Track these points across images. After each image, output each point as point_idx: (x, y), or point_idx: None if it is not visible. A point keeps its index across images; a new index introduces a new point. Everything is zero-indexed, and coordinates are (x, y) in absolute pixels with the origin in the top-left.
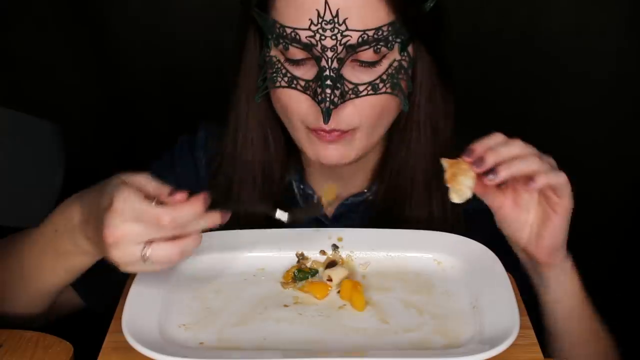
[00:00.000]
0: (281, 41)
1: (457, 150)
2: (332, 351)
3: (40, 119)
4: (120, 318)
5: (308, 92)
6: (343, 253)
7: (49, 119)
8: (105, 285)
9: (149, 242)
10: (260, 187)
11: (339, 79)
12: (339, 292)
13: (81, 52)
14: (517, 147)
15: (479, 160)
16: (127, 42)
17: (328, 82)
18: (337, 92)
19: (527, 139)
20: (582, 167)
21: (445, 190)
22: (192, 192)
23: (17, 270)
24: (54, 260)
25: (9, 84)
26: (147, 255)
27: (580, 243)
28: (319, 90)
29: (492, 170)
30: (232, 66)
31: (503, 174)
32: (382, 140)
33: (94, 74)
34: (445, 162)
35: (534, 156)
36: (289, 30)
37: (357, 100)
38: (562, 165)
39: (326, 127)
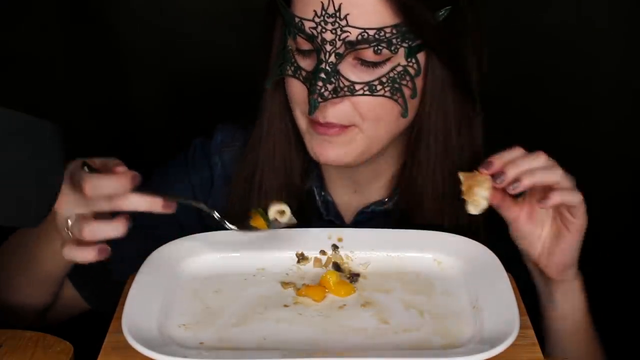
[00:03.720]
0: (292, 30)
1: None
2: (332, 351)
3: (40, 119)
4: (120, 318)
5: (307, 84)
6: (343, 253)
7: (49, 119)
8: (108, 287)
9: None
10: (284, 185)
11: (334, 73)
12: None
13: (81, 52)
14: (540, 160)
15: (500, 174)
16: (128, 41)
17: (322, 74)
18: (330, 87)
19: (527, 138)
20: (582, 166)
21: (458, 204)
22: (205, 197)
23: (21, 256)
24: (45, 246)
25: (9, 84)
26: (68, 226)
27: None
28: (313, 82)
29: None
30: (260, 60)
31: (526, 182)
32: (400, 149)
33: (94, 74)
34: (461, 175)
35: (557, 168)
36: (297, 20)
37: (355, 99)
38: (562, 165)
39: (321, 119)
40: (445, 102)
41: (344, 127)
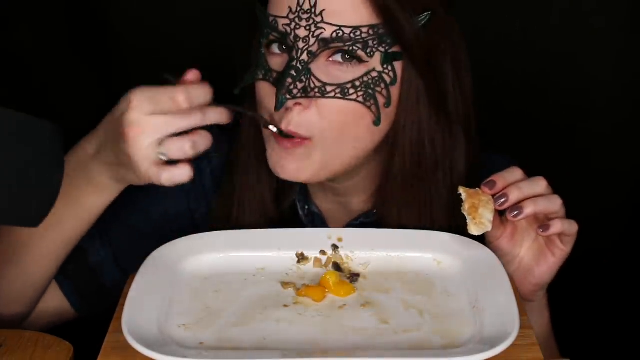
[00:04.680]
0: (266, 31)
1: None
2: (332, 351)
3: (40, 119)
4: (120, 318)
5: (277, 84)
6: (343, 253)
7: (49, 119)
8: (96, 292)
9: (163, 139)
10: (262, 202)
11: (305, 72)
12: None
13: (81, 52)
14: (541, 186)
15: (502, 196)
16: (128, 41)
17: (292, 72)
18: (299, 85)
19: (526, 139)
20: (580, 168)
21: (432, 221)
22: (198, 203)
23: (21, 235)
24: (68, 207)
25: (9, 84)
26: (164, 150)
27: (579, 245)
28: (281, 79)
29: (513, 205)
30: (242, 71)
31: (528, 210)
32: (380, 163)
33: (94, 74)
34: (463, 191)
35: (557, 197)
36: (271, 19)
37: (323, 104)
38: (561, 165)
39: (283, 126)
40: (419, 115)
41: (303, 140)
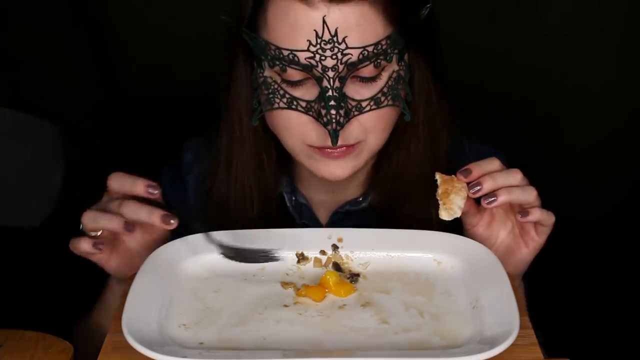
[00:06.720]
0: (277, 63)
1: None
2: (332, 351)
3: (40, 119)
4: (120, 318)
5: (311, 113)
6: (343, 253)
7: (49, 119)
8: None
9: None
10: (257, 204)
11: (342, 98)
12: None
13: (81, 52)
14: (516, 177)
15: (476, 184)
16: (128, 42)
17: (332, 102)
18: (342, 112)
19: (525, 141)
20: (581, 170)
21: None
22: (183, 217)
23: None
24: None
25: (9, 84)
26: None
27: (578, 246)
28: (323, 112)
29: (488, 193)
30: (222, 87)
31: (502, 199)
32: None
33: (94, 74)
34: (439, 177)
35: (532, 188)
36: (286, 53)
37: (362, 116)
38: (562, 167)
39: (331, 144)
40: (430, 95)
41: (351, 145)
